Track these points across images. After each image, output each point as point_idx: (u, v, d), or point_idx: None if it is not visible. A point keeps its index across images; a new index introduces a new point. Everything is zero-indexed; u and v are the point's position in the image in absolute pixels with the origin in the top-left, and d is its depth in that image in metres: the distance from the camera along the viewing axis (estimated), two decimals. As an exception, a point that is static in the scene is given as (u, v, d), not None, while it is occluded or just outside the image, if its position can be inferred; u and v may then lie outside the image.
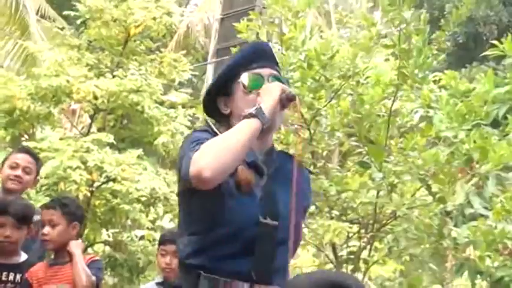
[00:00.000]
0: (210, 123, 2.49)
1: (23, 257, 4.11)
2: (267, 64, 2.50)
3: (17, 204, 4.07)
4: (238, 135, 2.21)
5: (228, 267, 2.20)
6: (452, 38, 19.32)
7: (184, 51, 11.98)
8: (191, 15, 19.47)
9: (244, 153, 2.22)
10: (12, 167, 4.47)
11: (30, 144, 8.15)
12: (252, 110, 2.28)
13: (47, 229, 3.85)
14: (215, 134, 2.36)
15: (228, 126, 2.38)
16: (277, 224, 2.26)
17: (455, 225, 6.37)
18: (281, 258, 2.28)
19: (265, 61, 2.49)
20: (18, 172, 4.44)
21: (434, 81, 7.19)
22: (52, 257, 4.02)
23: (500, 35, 7.66)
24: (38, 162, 4.67)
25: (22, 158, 4.52)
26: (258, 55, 2.50)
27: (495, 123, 7.69)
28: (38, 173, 4.63)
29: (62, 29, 9.92)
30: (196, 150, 2.19)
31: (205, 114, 2.60)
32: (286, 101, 2.38)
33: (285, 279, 2.25)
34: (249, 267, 2.18)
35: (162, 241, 4.58)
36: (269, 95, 2.34)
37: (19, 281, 3.96)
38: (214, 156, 2.14)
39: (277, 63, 2.59)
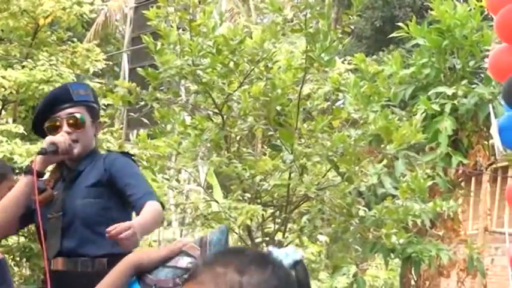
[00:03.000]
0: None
1: None
2: (64, 106, 3.02)
3: None
4: (10, 196, 2.98)
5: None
6: (370, 22, 19.70)
7: (101, 41, 11.82)
8: (109, 5, 19.16)
9: (18, 206, 2.95)
10: None
11: None
12: (24, 169, 3.03)
13: None
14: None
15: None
16: (61, 213, 2.98)
17: (368, 205, 6.56)
18: (72, 236, 2.98)
19: (62, 103, 3.02)
20: None
21: (347, 64, 7.35)
22: None
23: (416, 18, 7.88)
24: None
25: None
26: (55, 100, 3.05)
27: (405, 104, 7.93)
28: None
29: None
30: None
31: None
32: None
33: (88, 247, 2.97)
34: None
35: None
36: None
37: None
38: None
39: (75, 100, 3.07)
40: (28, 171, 2.94)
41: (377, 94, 5.72)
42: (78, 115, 3.04)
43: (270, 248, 1.48)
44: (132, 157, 3.23)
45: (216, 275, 1.28)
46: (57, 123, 3.01)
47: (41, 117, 3.07)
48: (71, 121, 3.02)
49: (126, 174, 3.01)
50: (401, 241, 5.62)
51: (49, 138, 2.96)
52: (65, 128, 3.00)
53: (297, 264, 1.44)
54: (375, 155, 6.23)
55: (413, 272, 7.23)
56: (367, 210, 5.72)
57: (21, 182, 2.97)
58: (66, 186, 3.05)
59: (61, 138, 2.95)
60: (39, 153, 2.94)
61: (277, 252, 1.44)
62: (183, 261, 2.23)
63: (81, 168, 3.07)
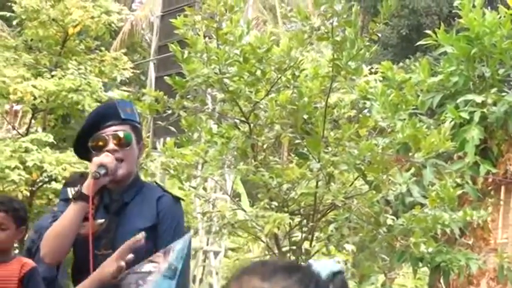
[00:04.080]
0: (68, 191, 3.08)
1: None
2: (111, 123, 2.90)
3: None
4: (63, 223, 2.81)
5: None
6: (396, 30, 19.62)
7: (127, 50, 11.90)
8: (135, 14, 19.32)
9: (72, 234, 2.80)
10: None
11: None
12: (73, 195, 2.84)
13: None
14: (68, 199, 2.95)
15: None
16: (111, 252, 2.75)
17: (396, 214, 6.50)
18: None
19: (109, 121, 2.90)
20: None
21: (373, 73, 7.31)
22: None
23: (441, 26, 7.83)
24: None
25: None
26: (102, 116, 2.93)
27: (432, 112, 7.87)
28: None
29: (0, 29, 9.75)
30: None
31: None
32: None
33: None
34: None
35: None
36: (90, 170, 2.85)
37: None
38: (50, 245, 2.82)
39: (123, 118, 2.94)
40: (78, 197, 2.78)
41: (404, 102, 5.68)
42: (124, 133, 2.91)
43: (311, 260, 1.49)
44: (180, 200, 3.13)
45: (242, 282, 1.33)
46: (103, 141, 2.89)
47: (86, 133, 2.93)
48: (117, 139, 2.89)
49: (171, 235, 2.91)
50: (430, 250, 5.56)
51: (97, 160, 2.80)
52: (111, 145, 2.87)
53: (335, 275, 1.45)
54: (403, 163, 6.18)
55: (442, 281, 7.16)
56: (395, 219, 5.67)
57: (72, 208, 2.80)
58: (113, 219, 2.88)
59: (108, 158, 2.82)
60: (94, 177, 2.76)
61: (316, 264, 1.45)
62: (147, 267, 2.33)
63: (127, 199, 2.93)
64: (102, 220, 2.82)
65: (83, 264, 2.73)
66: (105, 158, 2.81)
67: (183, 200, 3.18)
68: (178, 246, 2.47)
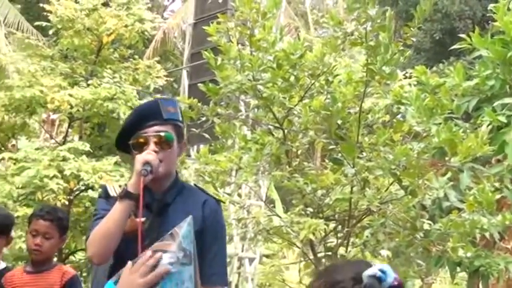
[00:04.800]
0: (108, 188, 2.98)
1: (2, 265, 4.13)
2: (153, 123, 2.88)
3: None
4: (110, 222, 2.78)
5: None
6: (429, 34, 19.47)
7: (161, 58, 12.00)
8: (168, 22, 19.48)
9: (120, 232, 2.76)
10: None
11: (6, 155, 8.16)
12: (119, 194, 2.81)
13: (41, 240, 3.86)
14: (109, 197, 2.94)
15: None
16: None
17: (432, 219, 6.44)
18: None
19: (151, 120, 2.88)
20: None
21: (407, 77, 7.26)
22: (28, 265, 4.03)
23: (475, 30, 7.74)
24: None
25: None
26: (144, 116, 2.90)
27: (468, 116, 7.78)
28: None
29: (34, 40, 9.92)
30: (91, 232, 2.83)
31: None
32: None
33: None
34: None
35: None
36: (135, 168, 2.81)
37: None
38: (97, 245, 2.80)
39: (165, 118, 2.92)
40: (124, 195, 2.77)
41: (440, 106, 5.64)
42: (166, 134, 2.89)
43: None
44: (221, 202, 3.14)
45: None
46: (144, 140, 2.87)
47: (128, 131, 2.93)
48: (158, 140, 2.87)
49: (217, 239, 2.95)
50: (468, 254, 5.50)
51: (142, 158, 2.79)
52: (152, 146, 2.85)
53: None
54: (439, 168, 6.13)
55: (481, 285, 7.07)
56: (431, 223, 5.62)
57: (119, 207, 2.78)
58: (156, 219, 2.86)
59: (152, 156, 2.80)
60: (142, 175, 2.74)
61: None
62: (165, 258, 2.32)
63: (169, 199, 2.92)
64: (144, 219, 2.78)
65: (124, 262, 2.63)
66: (149, 155, 2.80)
67: (223, 202, 3.20)
68: (183, 230, 2.46)
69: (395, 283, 1.59)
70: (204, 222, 2.90)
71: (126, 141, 2.93)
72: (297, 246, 6.90)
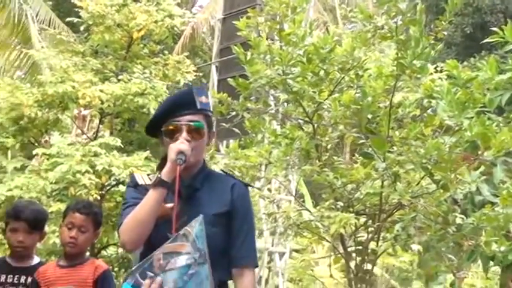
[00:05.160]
0: (136, 177, 3.06)
1: (36, 260, 4.19)
2: (186, 112, 2.96)
3: (29, 209, 4.15)
4: (144, 209, 2.82)
5: None
6: (460, 28, 19.29)
7: (190, 53, 12.05)
8: (196, 17, 19.55)
9: (153, 220, 2.81)
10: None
11: (39, 151, 8.27)
12: (153, 182, 2.86)
13: (76, 233, 3.90)
14: (138, 185, 3.00)
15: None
16: None
17: (464, 213, 6.39)
18: None
19: (185, 109, 2.95)
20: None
21: (437, 71, 7.20)
22: (61, 259, 4.08)
23: (507, 24, 7.64)
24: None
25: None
26: (178, 104, 2.97)
27: (500, 110, 7.68)
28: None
29: (65, 36, 10.03)
30: (123, 219, 2.88)
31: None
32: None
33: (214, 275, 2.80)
34: None
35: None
36: (169, 156, 2.88)
37: (30, 283, 4.04)
38: (130, 232, 2.84)
39: (198, 108, 2.99)
40: (158, 183, 2.83)
41: (472, 100, 5.58)
42: (198, 124, 2.97)
43: None
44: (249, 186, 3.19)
45: None
46: (176, 128, 2.94)
47: (160, 118, 2.99)
48: (190, 130, 2.94)
49: (246, 221, 3.01)
50: (502, 249, 5.44)
51: (176, 147, 2.85)
52: (184, 135, 2.92)
53: None
54: (471, 162, 6.06)
55: (514, 280, 6.98)
56: (464, 217, 5.57)
57: (153, 195, 2.83)
58: (185, 205, 2.90)
59: (185, 146, 2.87)
60: (178, 164, 2.81)
61: None
62: (181, 260, 2.31)
63: (197, 185, 2.99)
64: (172, 204, 2.84)
65: (153, 248, 2.73)
66: (183, 145, 2.87)
67: (251, 186, 3.25)
68: (196, 229, 2.47)
69: None
70: (232, 204, 2.97)
71: (157, 127, 3.00)
72: (327, 241, 6.89)
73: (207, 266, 2.48)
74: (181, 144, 2.87)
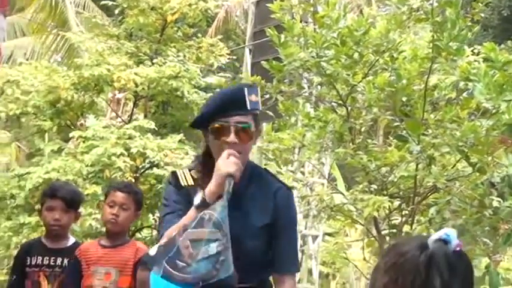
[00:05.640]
0: (179, 177, 2.91)
1: (71, 241, 4.23)
2: (235, 112, 2.80)
3: (65, 188, 4.21)
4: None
5: None
6: (497, 11, 18.98)
7: (223, 37, 12.07)
8: (230, 0, 19.52)
9: None
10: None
11: (76, 134, 8.37)
12: (198, 203, 2.69)
13: (118, 210, 3.94)
14: (180, 187, 2.87)
15: (210, 156, 2.84)
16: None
17: (501, 196, 6.32)
18: (241, 269, 2.62)
19: (234, 109, 2.80)
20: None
21: (474, 54, 7.11)
22: (103, 239, 4.11)
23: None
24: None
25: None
26: (228, 104, 2.81)
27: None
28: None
29: (101, 19, 10.12)
30: (163, 231, 2.73)
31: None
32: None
33: (255, 277, 2.85)
34: None
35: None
36: (215, 177, 2.70)
37: (66, 265, 4.07)
38: None
39: (248, 108, 2.84)
40: (202, 205, 2.67)
41: (510, 83, 5.50)
42: (247, 127, 2.81)
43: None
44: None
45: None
46: (224, 129, 2.79)
47: (209, 115, 2.84)
48: (239, 132, 2.80)
49: (290, 228, 2.94)
50: (539, 233, 5.39)
51: (225, 170, 2.66)
52: (232, 137, 2.77)
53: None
54: (509, 145, 5.99)
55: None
56: (501, 201, 5.52)
57: (195, 216, 2.65)
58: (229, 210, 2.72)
59: (235, 166, 2.70)
60: (227, 196, 2.63)
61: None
62: (212, 248, 2.25)
63: (240, 190, 2.80)
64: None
65: None
66: (231, 166, 2.69)
67: (294, 188, 3.16)
68: (221, 213, 2.40)
69: (458, 248, 1.60)
70: (276, 213, 2.88)
71: (204, 123, 2.87)
72: (361, 224, 6.88)
73: (231, 250, 2.45)
74: (231, 165, 2.70)
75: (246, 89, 2.86)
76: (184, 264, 2.28)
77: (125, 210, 3.96)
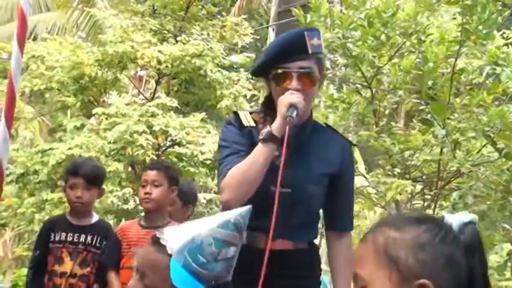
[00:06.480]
0: (241, 116, 2.80)
1: (95, 218, 4.22)
2: (297, 57, 2.67)
3: (87, 165, 4.18)
4: (254, 166, 2.61)
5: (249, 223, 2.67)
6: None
7: (247, 16, 12.01)
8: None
9: (261, 177, 2.61)
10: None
11: (99, 111, 8.39)
12: (262, 136, 2.61)
13: (150, 188, 3.87)
14: (243, 127, 2.76)
15: (272, 103, 2.72)
16: (289, 191, 2.64)
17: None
18: (298, 217, 2.71)
19: (295, 54, 2.67)
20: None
21: (504, 38, 7.02)
22: (142, 219, 4.09)
23: None
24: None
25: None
26: (288, 49, 2.68)
27: None
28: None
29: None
30: (225, 170, 2.66)
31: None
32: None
33: (306, 234, 2.80)
34: (265, 224, 2.52)
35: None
36: (279, 110, 2.61)
37: (90, 242, 4.05)
38: (236, 191, 2.61)
39: (310, 52, 2.71)
40: (268, 138, 2.59)
41: (539, 68, 5.44)
42: (309, 71, 2.68)
43: (444, 213, 1.50)
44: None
45: (376, 233, 1.43)
46: (286, 75, 2.67)
47: (269, 63, 2.73)
48: (301, 78, 2.67)
49: (351, 184, 2.88)
50: None
51: (286, 101, 2.59)
52: (294, 84, 2.65)
53: (465, 226, 1.44)
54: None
55: None
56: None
57: (263, 151, 2.61)
58: (293, 156, 2.64)
59: (296, 98, 2.60)
60: (288, 122, 2.55)
61: (448, 216, 1.46)
62: (230, 252, 2.23)
63: (304, 136, 2.74)
64: (277, 153, 2.63)
65: (257, 200, 2.50)
66: (294, 97, 2.61)
67: (355, 145, 3.08)
68: (245, 220, 2.37)
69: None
70: (341, 166, 2.79)
71: (265, 70, 2.77)
72: (384, 208, 6.85)
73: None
74: (292, 96, 2.61)
75: (306, 33, 2.73)
76: (204, 260, 2.25)
77: (157, 187, 3.91)
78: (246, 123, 2.78)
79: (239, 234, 2.21)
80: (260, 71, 2.85)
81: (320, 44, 2.74)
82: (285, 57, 2.67)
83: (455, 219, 1.45)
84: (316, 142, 2.78)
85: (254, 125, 2.76)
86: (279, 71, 2.68)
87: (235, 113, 2.84)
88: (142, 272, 2.02)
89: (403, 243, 1.38)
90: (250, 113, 2.85)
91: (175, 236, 2.21)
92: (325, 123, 3.06)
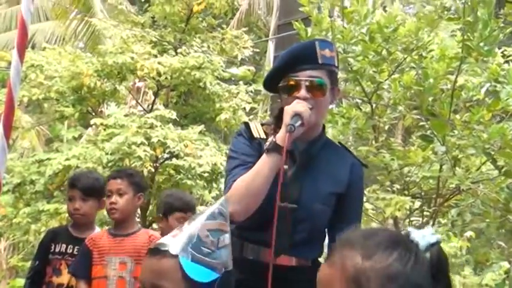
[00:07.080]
0: (252, 128, 2.76)
1: (96, 231, 4.17)
2: (307, 67, 2.65)
3: (85, 178, 4.16)
4: (258, 178, 2.55)
5: (252, 237, 2.66)
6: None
7: (246, 29, 12.01)
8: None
9: (267, 189, 2.54)
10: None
11: (97, 121, 8.36)
12: (267, 146, 2.57)
13: (115, 198, 3.85)
14: (252, 138, 2.73)
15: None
16: (296, 207, 2.61)
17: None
18: (302, 234, 2.68)
19: (305, 64, 2.65)
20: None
21: (504, 56, 7.03)
22: (112, 228, 4.06)
23: None
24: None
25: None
26: (298, 59, 2.66)
27: None
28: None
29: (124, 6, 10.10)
30: (231, 182, 2.61)
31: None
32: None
33: (310, 251, 2.73)
34: (270, 238, 2.47)
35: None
36: (284, 119, 2.56)
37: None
38: (240, 202, 2.53)
39: (320, 62, 2.68)
40: (272, 148, 2.54)
41: (539, 86, 5.43)
42: (319, 81, 2.64)
43: (409, 228, 1.46)
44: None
45: (344, 258, 1.36)
46: (294, 84, 2.64)
47: (279, 72, 2.72)
48: (310, 87, 2.63)
49: (360, 203, 2.82)
50: None
51: (291, 109, 2.54)
52: (303, 92, 2.62)
53: (432, 247, 1.40)
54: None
55: None
56: (526, 206, 5.45)
57: (268, 161, 2.55)
58: (300, 171, 2.65)
59: (302, 107, 2.56)
60: (289, 131, 2.50)
61: (414, 234, 1.42)
62: (226, 238, 2.24)
63: (314, 152, 2.71)
64: (286, 166, 2.59)
65: (261, 215, 2.51)
66: (299, 106, 2.56)
67: (366, 167, 3.01)
68: (227, 208, 2.37)
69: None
70: (349, 187, 2.73)
71: (275, 81, 2.74)
72: (379, 223, 6.82)
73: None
74: (297, 105, 2.56)
75: (317, 42, 2.70)
76: (209, 251, 2.28)
77: (121, 196, 3.88)
78: (256, 135, 2.74)
79: (226, 222, 2.23)
80: (270, 84, 2.80)
81: (333, 56, 2.70)
82: (294, 66, 2.64)
83: (421, 239, 1.41)
84: (326, 159, 2.73)
85: (264, 136, 2.71)
86: (288, 81, 2.65)
87: (246, 124, 2.80)
88: (155, 287, 1.99)
89: (373, 275, 1.33)
90: (262, 125, 2.80)
91: (172, 239, 2.22)
92: (340, 142, 3.02)
